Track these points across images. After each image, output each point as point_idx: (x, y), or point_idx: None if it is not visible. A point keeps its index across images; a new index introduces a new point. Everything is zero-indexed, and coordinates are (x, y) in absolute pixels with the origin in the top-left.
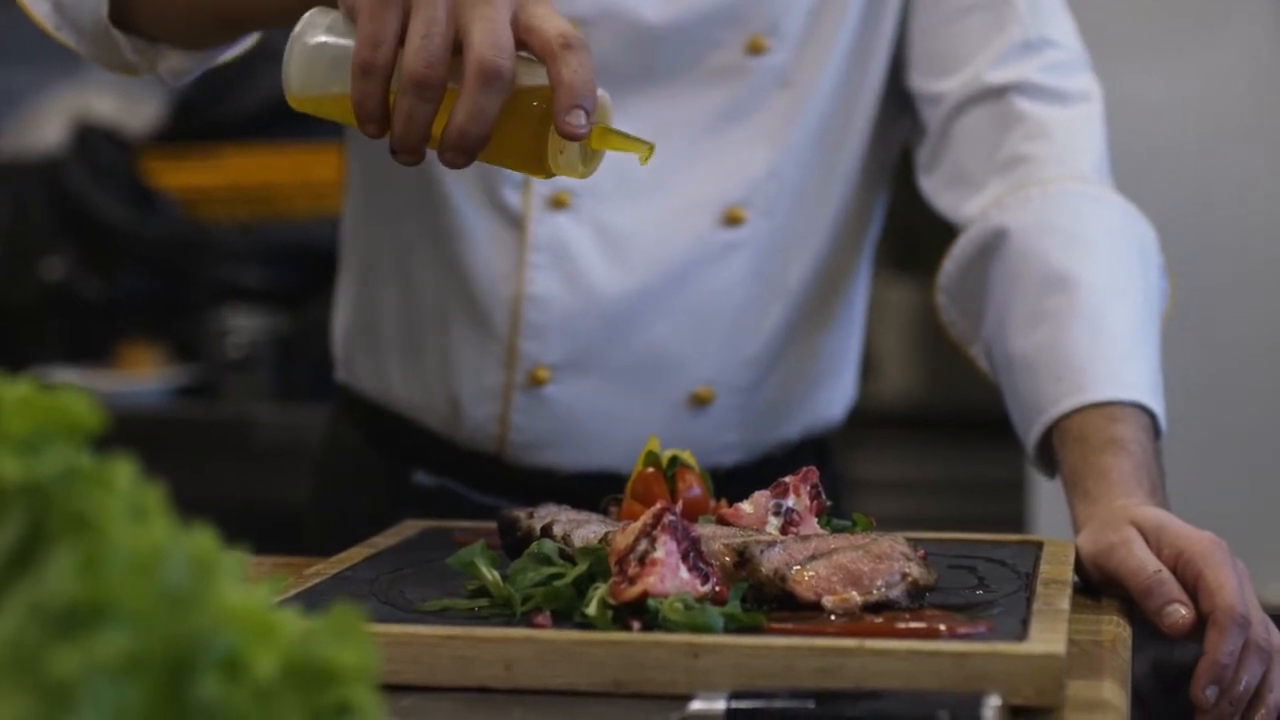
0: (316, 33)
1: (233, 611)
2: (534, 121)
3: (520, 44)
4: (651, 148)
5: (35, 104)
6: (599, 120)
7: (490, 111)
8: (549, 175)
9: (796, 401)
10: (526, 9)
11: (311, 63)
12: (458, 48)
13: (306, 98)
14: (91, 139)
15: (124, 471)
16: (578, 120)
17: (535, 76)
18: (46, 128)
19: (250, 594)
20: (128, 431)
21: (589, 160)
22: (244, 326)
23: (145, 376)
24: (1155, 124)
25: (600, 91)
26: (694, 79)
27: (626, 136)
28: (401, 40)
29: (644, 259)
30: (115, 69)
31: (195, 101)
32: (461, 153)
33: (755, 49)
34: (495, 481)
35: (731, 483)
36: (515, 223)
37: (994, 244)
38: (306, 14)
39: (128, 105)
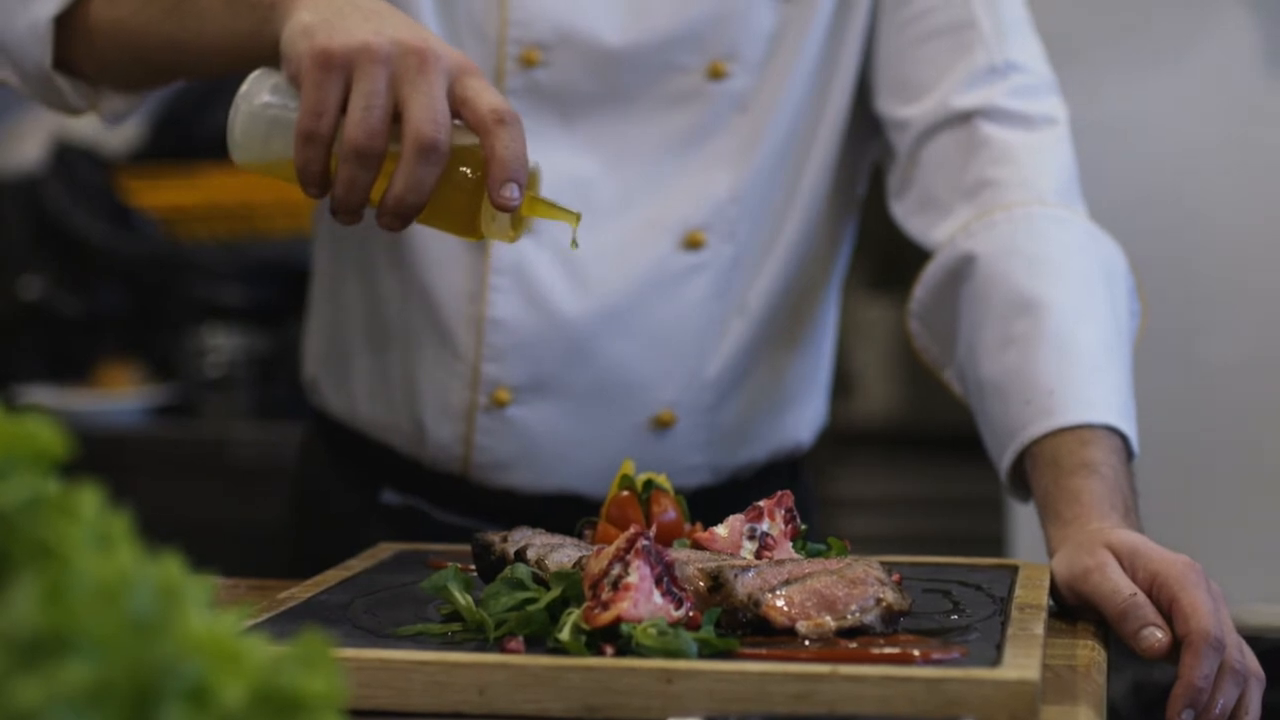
0: (261, 95)
1: (199, 639)
2: (468, 190)
3: (456, 115)
4: (579, 216)
5: (13, 122)
6: (529, 189)
7: (428, 182)
8: (480, 238)
9: (762, 424)
10: (462, 81)
11: (256, 125)
12: (397, 115)
13: (250, 158)
14: (70, 157)
15: (89, 499)
16: (511, 193)
17: (468, 139)
18: (25, 146)
19: (217, 621)
20: (105, 450)
21: (518, 225)
22: (222, 345)
23: (123, 395)
24: (1132, 144)
25: (532, 161)
26: (654, 103)
27: (555, 206)
28: (343, 108)
29: (605, 282)
30: (57, 109)
31: (173, 120)
32: (398, 218)
33: (715, 74)
34: (461, 501)
35: (697, 505)
36: (478, 245)
37: (962, 270)
38: (252, 75)
39: None
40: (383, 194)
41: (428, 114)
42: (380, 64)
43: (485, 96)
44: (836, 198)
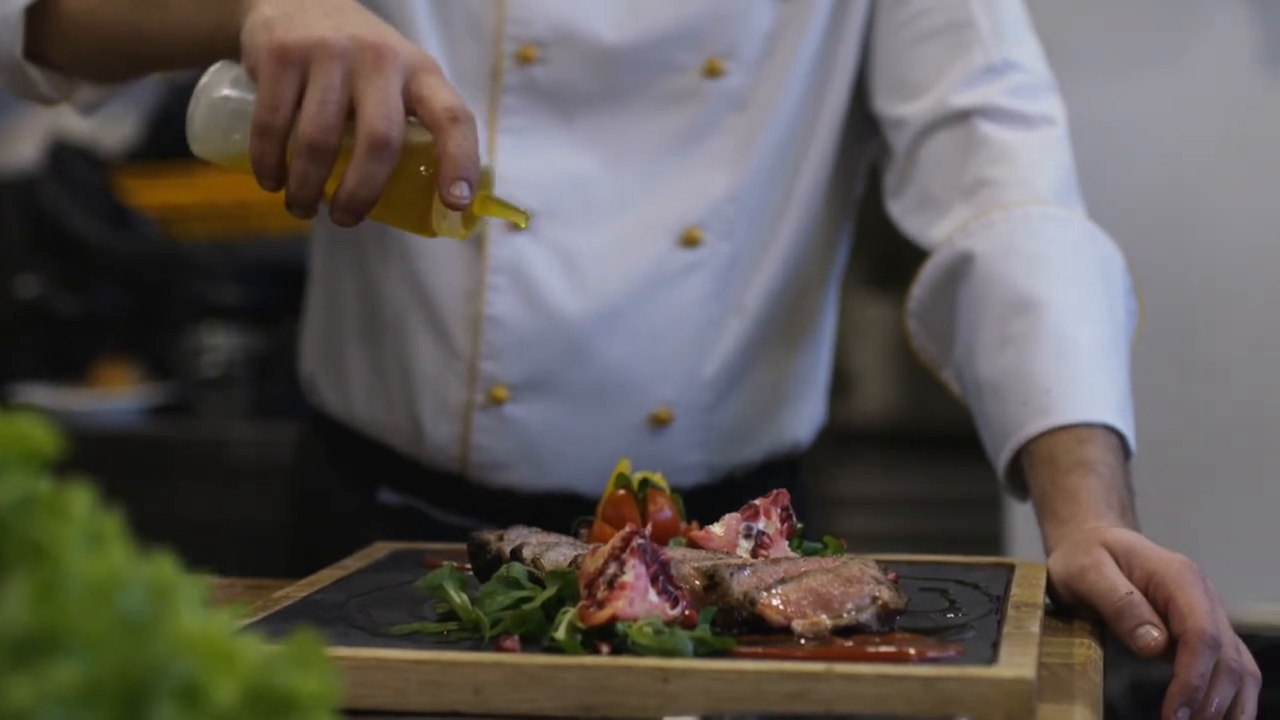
0: (221, 88)
1: (191, 639)
2: (420, 187)
3: (410, 112)
4: (529, 216)
5: (9, 122)
6: (481, 188)
7: (379, 178)
8: (432, 235)
9: (760, 423)
10: (417, 79)
11: (216, 117)
12: (352, 111)
13: (209, 149)
14: (66, 157)
15: (81, 499)
16: (461, 191)
17: (422, 136)
18: (21, 145)
19: (210, 621)
20: (103, 450)
21: (470, 224)
22: (220, 344)
23: (121, 394)
24: (1131, 143)
25: (484, 160)
26: (652, 101)
27: (506, 204)
28: (299, 103)
29: (602, 280)
30: (30, 99)
31: (170, 119)
32: (350, 213)
33: (712, 72)
34: (459, 500)
35: (693, 504)
36: (475, 243)
37: (960, 269)
38: (213, 67)
39: (102, 123)
40: (335, 189)
41: (381, 110)
42: (336, 59)
43: (440, 94)
44: (834, 197)
